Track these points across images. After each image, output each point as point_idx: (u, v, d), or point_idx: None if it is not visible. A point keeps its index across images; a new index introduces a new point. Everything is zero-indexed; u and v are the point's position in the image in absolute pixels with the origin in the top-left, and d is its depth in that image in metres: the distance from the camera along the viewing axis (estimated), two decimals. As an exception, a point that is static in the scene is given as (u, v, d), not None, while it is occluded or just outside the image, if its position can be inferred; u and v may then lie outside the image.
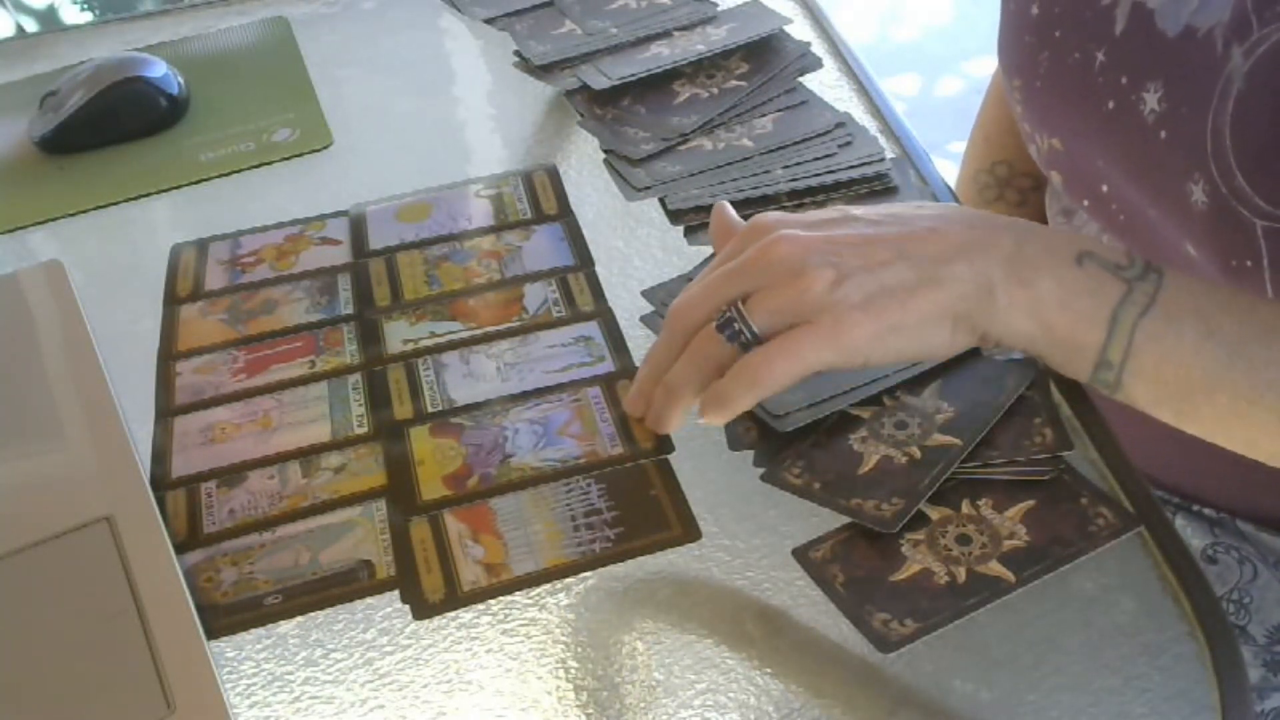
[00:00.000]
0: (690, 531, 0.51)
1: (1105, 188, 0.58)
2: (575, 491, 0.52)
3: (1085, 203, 0.60)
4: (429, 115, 0.79)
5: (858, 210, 0.50)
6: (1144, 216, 0.56)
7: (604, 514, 0.52)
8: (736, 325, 0.48)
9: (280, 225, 0.69)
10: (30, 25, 1.71)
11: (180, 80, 0.79)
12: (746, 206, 0.65)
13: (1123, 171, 0.56)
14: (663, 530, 0.51)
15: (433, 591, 0.49)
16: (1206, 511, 0.67)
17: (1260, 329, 0.47)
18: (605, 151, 0.71)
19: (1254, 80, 0.47)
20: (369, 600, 0.49)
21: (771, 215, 0.51)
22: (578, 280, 0.63)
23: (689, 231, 0.65)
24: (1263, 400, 0.47)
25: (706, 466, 0.53)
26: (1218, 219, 0.50)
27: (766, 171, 0.67)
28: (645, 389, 0.53)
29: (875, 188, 0.66)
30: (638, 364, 0.57)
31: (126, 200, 0.72)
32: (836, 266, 0.47)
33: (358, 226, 0.68)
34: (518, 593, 0.49)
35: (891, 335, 0.48)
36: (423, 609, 0.49)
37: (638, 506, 0.52)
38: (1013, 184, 0.81)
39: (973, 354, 0.56)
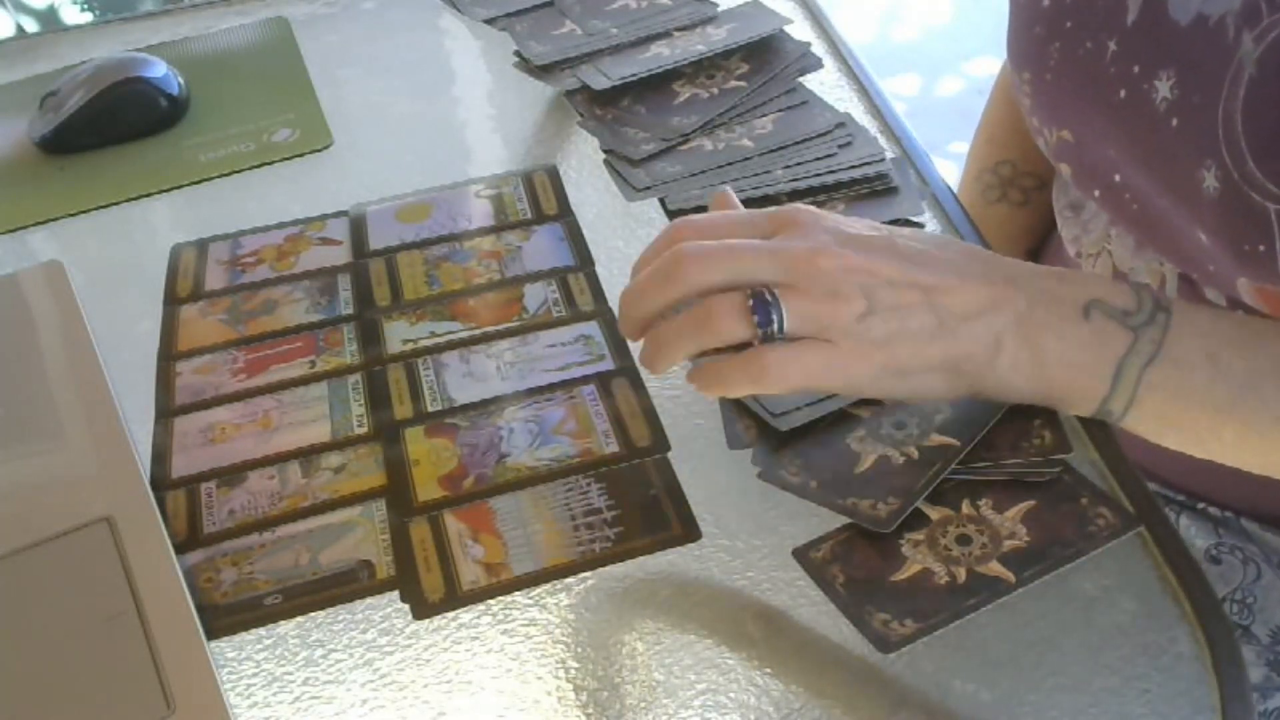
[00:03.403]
0: (690, 531, 0.51)
1: (1117, 177, 0.58)
2: (575, 491, 0.53)
3: (1096, 193, 0.60)
4: (429, 115, 0.79)
5: (899, 238, 0.50)
6: (1156, 205, 0.56)
7: (604, 514, 0.52)
8: (773, 314, 0.47)
9: (280, 225, 0.69)
10: (30, 25, 1.71)
11: (180, 80, 0.79)
12: (746, 207, 0.65)
13: (1134, 160, 0.56)
14: (662, 530, 0.51)
15: (432, 591, 0.49)
16: (1212, 510, 0.67)
17: (1271, 363, 0.48)
18: (605, 151, 0.71)
19: (1265, 67, 0.47)
20: (369, 600, 0.49)
21: (810, 211, 0.50)
22: (578, 280, 0.63)
23: (689, 231, 0.64)
24: (1273, 432, 0.48)
25: (706, 466, 0.53)
26: (1230, 205, 0.50)
27: (767, 172, 0.67)
28: (633, 316, 0.50)
29: (875, 188, 0.66)
30: (638, 364, 0.57)
31: (126, 200, 0.72)
32: (870, 298, 0.47)
33: (358, 226, 0.68)
34: (517, 593, 0.49)
35: (894, 377, 0.48)
36: (422, 609, 0.49)
37: (638, 506, 0.52)
38: (1016, 183, 0.81)
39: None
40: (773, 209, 0.51)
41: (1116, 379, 0.48)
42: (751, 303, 0.47)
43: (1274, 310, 0.53)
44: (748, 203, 0.65)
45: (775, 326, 0.47)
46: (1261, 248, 0.49)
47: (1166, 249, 0.58)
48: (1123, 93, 0.55)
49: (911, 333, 0.48)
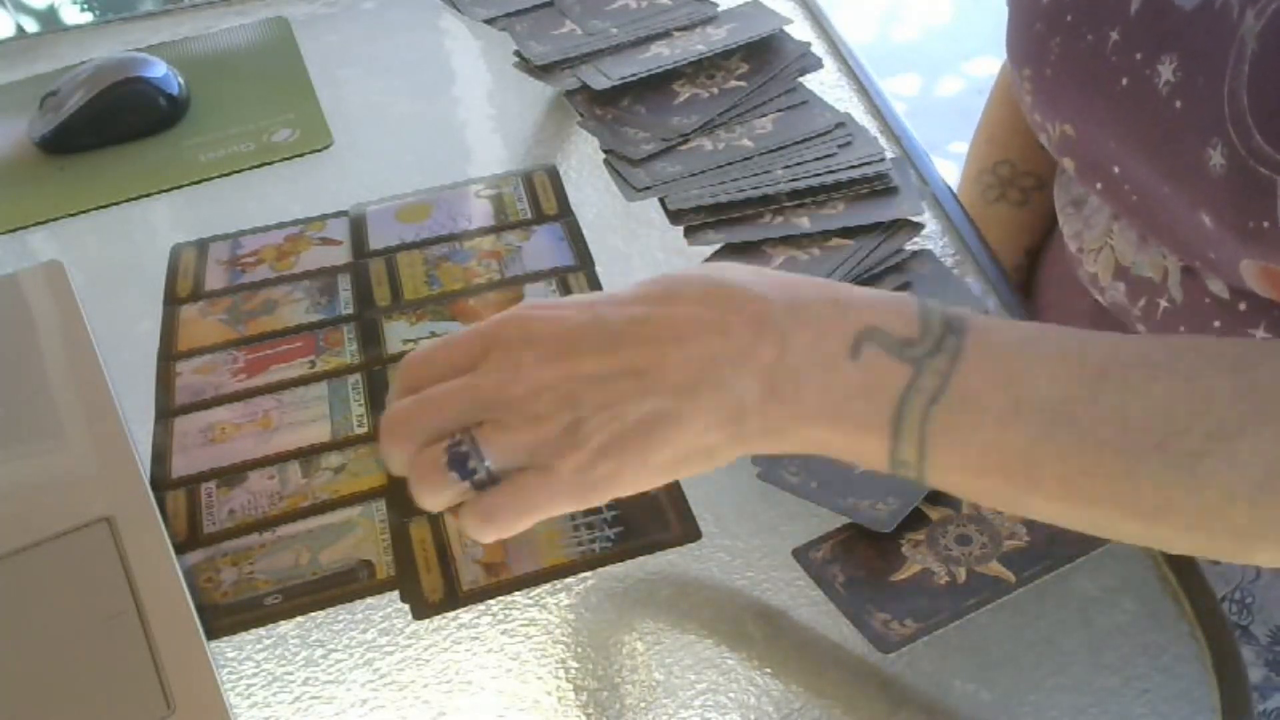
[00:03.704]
0: (690, 531, 0.51)
1: (1117, 169, 0.58)
2: (575, 491, 0.52)
3: (1098, 186, 0.60)
4: (429, 115, 0.79)
5: (612, 310, 0.42)
6: (1157, 194, 0.56)
7: (603, 513, 0.52)
8: (470, 463, 0.41)
9: (280, 225, 0.69)
10: (30, 25, 1.71)
11: (180, 80, 0.79)
12: (746, 206, 0.65)
13: (1136, 149, 0.56)
14: (662, 530, 0.51)
15: (432, 591, 0.49)
16: None
17: (1089, 378, 0.40)
18: (605, 151, 0.71)
19: (1266, 40, 0.47)
20: (369, 600, 0.49)
21: (517, 319, 0.43)
22: (578, 280, 0.63)
23: (689, 232, 0.65)
24: (1100, 468, 0.39)
25: (706, 466, 0.53)
26: (1237, 182, 0.50)
27: (766, 171, 0.67)
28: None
29: (875, 187, 0.66)
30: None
31: (126, 200, 0.72)
32: (575, 407, 0.41)
33: (358, 226, 0.68)
34: (517, 593, 0.49)
35: (643, 474, 0.42)
36: (422, 609, 0.49)
37: (637, 506, 0.52)
38: (1015, 183, 0.81)
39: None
40: (487, 322, 0.43)
41: (897, 424, 0.40)
42: (446, 458, 0.41)
43: (1278, 294, 0.53)
44: (748, 202, 0.65)
45: (481, 474, 0.41)
46: (1266, 223, 0.49)
47: (1168, 239, 0.58)
48: (1125, 81, 0.55)
49: (632, 427, 0.40)
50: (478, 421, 0.41)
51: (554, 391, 0.41)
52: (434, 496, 0.42)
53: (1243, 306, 0.55)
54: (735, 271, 0.43)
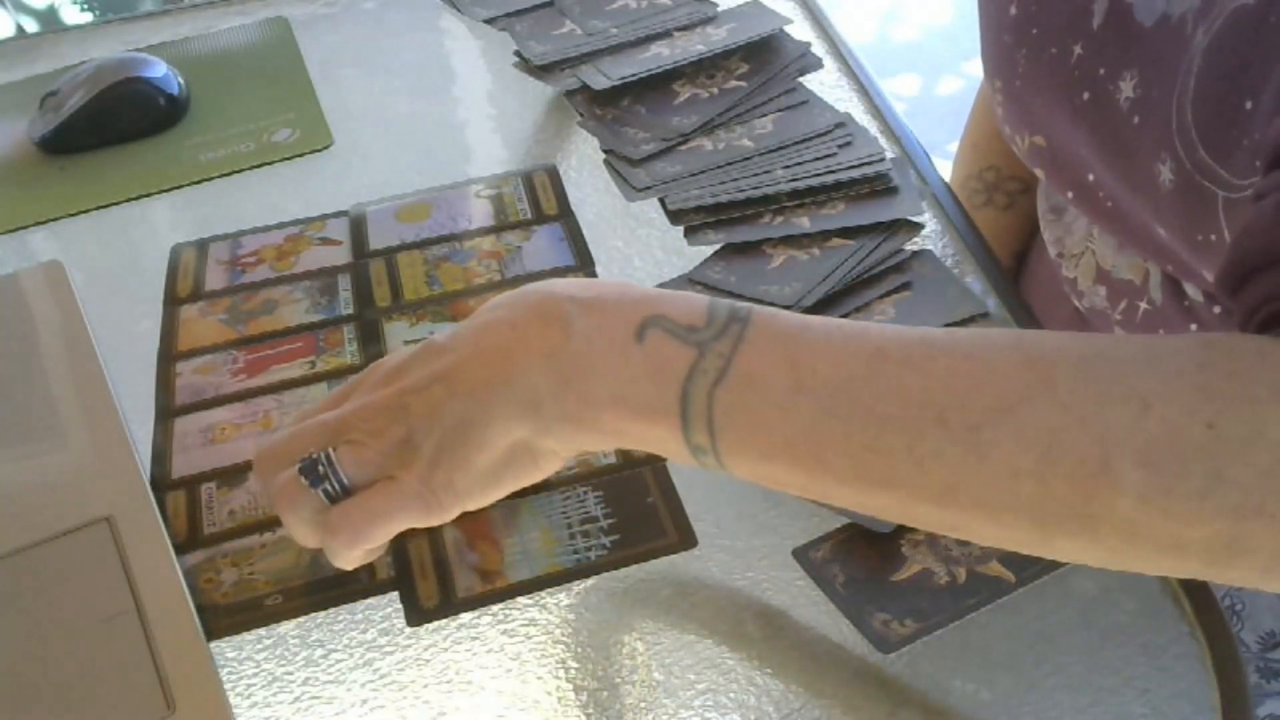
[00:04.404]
0: (686, 539, 0.51)
1: (1090, 177, 0.58)
2: (572, 499, 0.52)
3: (1070, 194, 0.61)
4: (429, 115, 0.79)
5: (437, 336, 0.44)
6: (1125, 202, 0.56)
7: (600, 522, 0.52)
8: (319, 470, 0.43)
9: (280, 225, 0.69)
10: (30, 25, 1.71)
11: (180, 80, 0.79)
12: (747, 206, 0.65)
13: (1100, 159, 0.56)
14: (659, 538, 0.51)
15: (427, 598, 0.49)
16: None
17: (868, 356, 0.39)
18: (605, 151, 0.71)
19: (1210, 55, 0.47)
20: (369, 601, 0.49)
21: (378, 365, 0.46)
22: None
23: (689, 232, 0.65)
24: (883, 444, 0.38)
25: (706, 466, 0.53)
26: (1183, 196, 0.50)
27: (766, 171, 0.67)
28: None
29: (875, 188, 0.66)
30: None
31: (126, 200, 0.72)
32: (406, 420, 0.43)
33: (358, 227, 0.68)
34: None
35: (476, 480, 0.43)
36: (417, 615, 0.49)
37: (634, 514, 0.52)
38: (1001, 188, 0.81)
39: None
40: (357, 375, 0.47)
41: (684, 404, 0.40)
42: (298, 468, 0.44)
43: None
44: (748, 202, 0.65)
45: (332, 485, 0.43)
46: (1212, 237, 0.49)
47: (1140, 244, 0.58)
48: (1086, 95, 0.55)
49: (450, 433, 0.42)
50: (334, 445, 0.44)
51: (388, 408, 0.43)
52: (293, 513, 0.44)
53: (1217, 310, 0.56)
54: (549, 281, 0.44)
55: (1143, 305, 0.60)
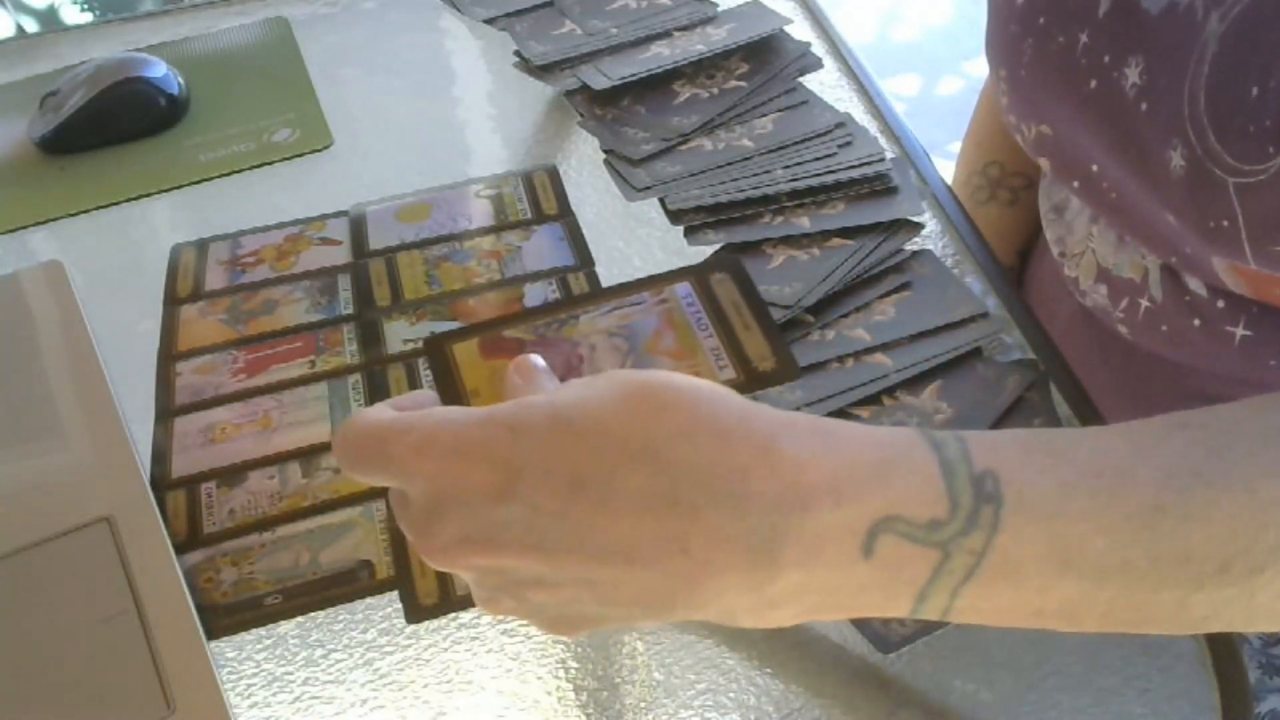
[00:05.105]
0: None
1: (1095, 167, 0.58)
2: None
3: (1075, 184, 0.61)
4: (429, 115, 0.79)
5: (539, 502, 0.34)
6: (1131, 192, 0.56)
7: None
8: None
9: (280, 225, 0.69)
10: (30, 25, 1.71)
11: (180, 80, 0.79)
12: (746, 206, 0.65)
13: (1106, 148, 0.56)
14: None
15: (426, 595, 0.49)
16: None
17: (1145, 518, 0.35)
18: (605, 151, 0.71)
19: (1226, 42, 0.47)
20: (369, 600, 0.49)
21: (449, 494, 0.36)
22: (578, 280, 0.63)
23: (689, 232, 0.65)
24: (1156, 602, 0.36)
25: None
26: (1195, 183, 0.50)
27: (766, 172, 0.67)
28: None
29: (875, 187, 0.66)
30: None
31: (126, 200, 0.72)
32: (516, 597, 0.37)
33: (358, 226, 0.68)
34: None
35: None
36: (415, 612, 0.49)
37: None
38: (1004, 184, 0.81)
39: (973, 355, 0.56)
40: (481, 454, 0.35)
41: (918, 604, 0.36)
42: None
43: (1254, 289, 0.53)
44: (749, 202, 0.65)
45: None
46: (1225, 223, 0.49)
47: (1144, 237, 0.58)
48: (1093, 83, 0.55)
49: (585, 616, 0.37)
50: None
51: (489, 582, 0.37)
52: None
53: (1221, 304, 0.56)
54: (681, 418, 0.34)
55: (1144, 303, 0.60)
